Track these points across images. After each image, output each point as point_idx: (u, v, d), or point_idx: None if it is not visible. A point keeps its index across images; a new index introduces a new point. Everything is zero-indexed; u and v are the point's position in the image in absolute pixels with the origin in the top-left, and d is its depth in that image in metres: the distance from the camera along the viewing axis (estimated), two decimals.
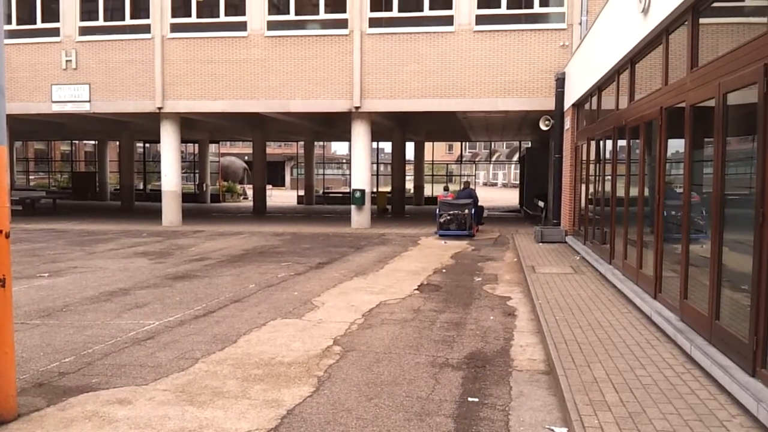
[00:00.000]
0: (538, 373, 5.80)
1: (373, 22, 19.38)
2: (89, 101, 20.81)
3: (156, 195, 29.52)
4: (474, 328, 7.45)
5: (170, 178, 21.24)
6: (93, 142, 41.92)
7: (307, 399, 5.07)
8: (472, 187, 21.96)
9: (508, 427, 4.57)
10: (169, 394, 5.15)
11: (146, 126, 26.57)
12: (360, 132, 20.09)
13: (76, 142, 45.07)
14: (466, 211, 18.36)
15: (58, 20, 21.12)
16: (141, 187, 39.87)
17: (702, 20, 6.30)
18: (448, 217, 18.43)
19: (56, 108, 21.21)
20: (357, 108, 19.49)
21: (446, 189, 23.14)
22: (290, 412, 4.79)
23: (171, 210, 21.35)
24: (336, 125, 26.55)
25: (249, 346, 6.62)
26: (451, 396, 5.16)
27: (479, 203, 20.10)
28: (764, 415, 4.00)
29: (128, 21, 20.76)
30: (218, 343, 6.72)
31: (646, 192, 8.54)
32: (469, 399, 5.09)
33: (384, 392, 5.21)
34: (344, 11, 19.54)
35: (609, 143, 11.32)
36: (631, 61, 9.44)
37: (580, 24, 17.38)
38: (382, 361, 6.06)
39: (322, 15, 19.90)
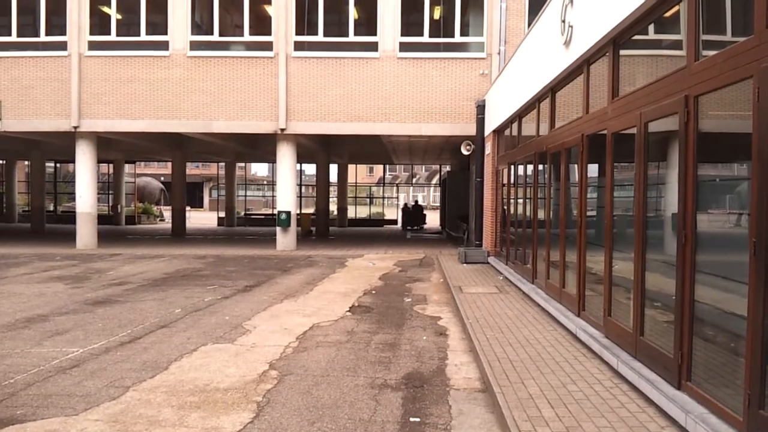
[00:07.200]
0: (475, 391, 5.94)
1: (299, 46, 19.44)
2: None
3: (68, 217, 28.29)
4: (408, 349, 7.54)
5: (86, 200, 20.44)
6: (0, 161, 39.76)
7: (248, 425, 4.99)
8: (420, 204, 37.13)
9: None
10: (102, 425, 4.96)
11: (59, 145, 25.47)
12: (285, 154, 20.01)
13: None
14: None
15: None
16: (52, 208, 38.04)
17: (623, 52, 6.69)
18: (408, 219, 34.56)
19: None
20: (283, 130, 19.42)
21: (406, 204, 36.58)
22: None
23: (86, 232, 20.51)
24: (260, 146, 26.33)
25: (181, 372, 6.45)
26: (393, 417, 5.20)
27: (424, 212, 35.84)
28: (692, 425, 4.24)
29: (43, 38, 19.93)
30: (148, 370, 6.51)
31: (568, 214, 8.91)
32: (411, 419, 5.15)
33: (326, 416, 5.20)
34: (269, 34, 19.50)
35: (530, 167, 11.76)
36: (552, 90, 9.86)
37: (499, 54, 18.13)
38: (321, 384, 6.04)
39: (247, 37, 19.78)
